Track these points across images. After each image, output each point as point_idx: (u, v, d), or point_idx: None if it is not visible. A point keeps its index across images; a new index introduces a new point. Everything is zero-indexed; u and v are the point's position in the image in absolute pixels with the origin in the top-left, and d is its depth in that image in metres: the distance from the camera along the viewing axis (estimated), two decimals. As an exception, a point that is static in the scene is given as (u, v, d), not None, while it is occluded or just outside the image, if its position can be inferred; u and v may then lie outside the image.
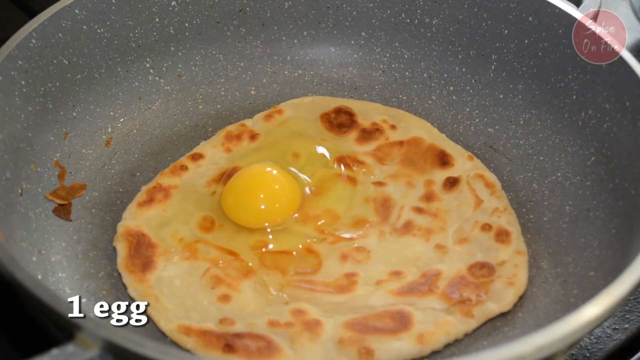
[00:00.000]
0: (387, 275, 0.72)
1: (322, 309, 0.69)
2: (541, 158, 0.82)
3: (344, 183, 0.80)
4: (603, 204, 0.73)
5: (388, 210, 0.78)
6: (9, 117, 0.72)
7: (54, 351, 0.52)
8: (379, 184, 0.81)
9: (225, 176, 0.81)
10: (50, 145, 0.78)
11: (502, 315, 0.70)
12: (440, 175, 0.81)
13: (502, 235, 0.75)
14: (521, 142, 0.84)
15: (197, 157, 0.83)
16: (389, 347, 0.65)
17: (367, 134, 0.86)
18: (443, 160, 0.82)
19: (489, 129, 0.87)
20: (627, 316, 0.76)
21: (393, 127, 0.87)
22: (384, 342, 0.66)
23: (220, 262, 0.72)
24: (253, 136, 0.86)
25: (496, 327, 0.69)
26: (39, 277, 0.67)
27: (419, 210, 0.78)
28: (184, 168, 0.82)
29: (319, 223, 0.77)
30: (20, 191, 0.72)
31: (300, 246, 0.74)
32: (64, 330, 0.54)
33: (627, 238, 0.67)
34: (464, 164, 0.82)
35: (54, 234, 0.74)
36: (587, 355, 0.73)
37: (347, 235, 0.76)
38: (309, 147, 0.84)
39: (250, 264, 0.72)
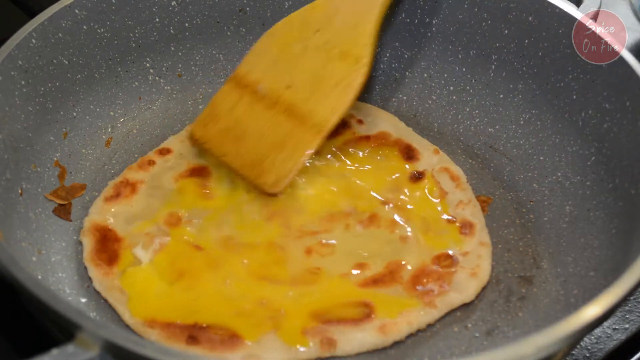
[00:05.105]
0: (351, 267, 0.72)
1: (287, 300, 0.69)
2: (541, 158, 0.82)
3: (309, 179, 0.80)
4: (603, 204, 0.73)
5: (354, 203, 0.78)
6: (9, 117, 0.72)
7: (54, 351, 0.52)
8: (346, 177, 0.81)
9: (195, 175, 0.81)
10: (50, 145, 0.78)
11: (503, 315, 0.70)
12: (406, 169, 0.82)
13: (466, 227, 0.76)
14: (521, 142, 0.84)
15: (164, 151, 0.84)
16: (351, 337, 0.66)
17: (335, 129, 0.86)
18: (409, 154, 0.83)
19: (489, 129, 0.87)
20: (627, 316, 0.76)
21: (360, 121, 0.87)
22: (347, 332, 0.67)
23: (186, 255, 0.73)
24: None
25: (496, 327, 0.69)
26: (39, 277, 0.67)
27: (384, 202, 0.78)
28: (151, 163, 0.82)
29: (285, 219, 0.77)
30: (20, 191, 0.72)
31: (265, 241, 0.75)
32: (64, 330, 0.54)
33: (627, 238, 0.67)
34: (430, 157, 0.83)
35: (54, 234, 0.74)
36: (587, 355, 0.73)
37: (312, 229, 0.76)
38: None
39: (215, 257, 0.73)
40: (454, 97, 0.90)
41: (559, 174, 0.80)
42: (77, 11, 0.80)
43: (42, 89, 0.77)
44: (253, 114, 0.80)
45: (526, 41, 0.83)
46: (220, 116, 0.81)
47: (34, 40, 0.76)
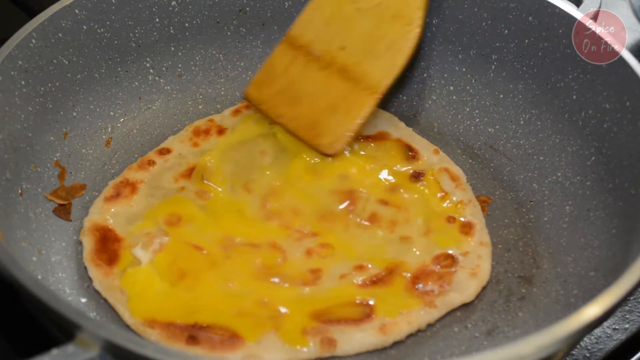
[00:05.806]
0: (351, 268, 0.72)
1: (287, 300, 0.69)
2: (541, 158, 0.82)
3: (310, 178, 0.81)
4: (603, 204, 0.73)
5: (353, 203, 0.78)
6: (9, 117, 0.72)
7: (54, 351, 0.52)
8: (345, 177, 0.81)
9: (193, 172, 0.81)
10: (50, 145, 0.78)
11: (503, 315, 0.70)
12: (406, 169, 0.82)
13: (466, 227, 0.76)
14: (521, 142, 0.84)
15: (164, 151, 0.84)
16: (351, 337, 0.67)
17: None
18: (409, 154, 0.83)
19: (489, 129, 0.87)
20: (627, 316, 0.76)
21: None
22: (347, 332, 0.67)
23: (186, 255, 0.73)
24: (221, 131, 0.86)
25: (496, 327, 0.69)
26: (39, 277, 0.67)
27: (384, 202, 0.78)
28: (151, 163, 0.82)
29: (284, 219, 0.77)
30: (20, 191, 0.72)
31: (265, 242, 0.75)
32: (64, 330, 0.54)
33: (627, 238, 0.67)
34: (430, 158, 0.83)
35: (54, 234, 0.74)
36: (587, 355, 0.73)
37: (312, 231, 0.76)
38: (275, 145, 0.84)
39: (215, 257, 0.73)
40: (454, 97, 0.90)
41: (559, 174, 0.80)
42: (77, 11, 0.80)
43: (42, 89, 0.77)
44: (307, 75, 0.82)
45: (526, 41, 0.83)
46: (275, 77, 0.83)
47: (34, 40, 0.76)
